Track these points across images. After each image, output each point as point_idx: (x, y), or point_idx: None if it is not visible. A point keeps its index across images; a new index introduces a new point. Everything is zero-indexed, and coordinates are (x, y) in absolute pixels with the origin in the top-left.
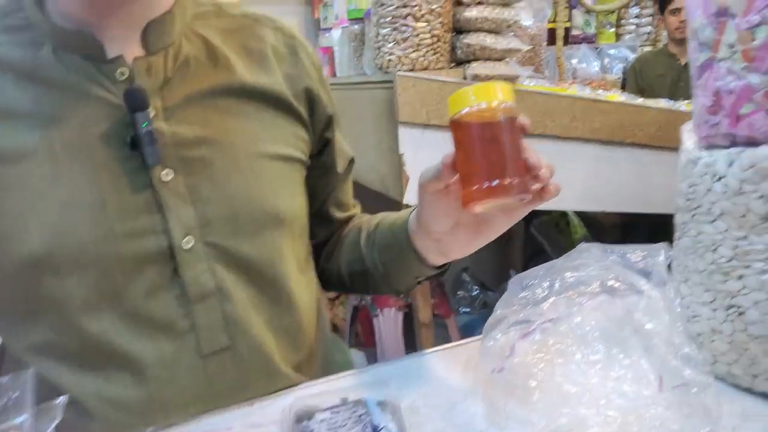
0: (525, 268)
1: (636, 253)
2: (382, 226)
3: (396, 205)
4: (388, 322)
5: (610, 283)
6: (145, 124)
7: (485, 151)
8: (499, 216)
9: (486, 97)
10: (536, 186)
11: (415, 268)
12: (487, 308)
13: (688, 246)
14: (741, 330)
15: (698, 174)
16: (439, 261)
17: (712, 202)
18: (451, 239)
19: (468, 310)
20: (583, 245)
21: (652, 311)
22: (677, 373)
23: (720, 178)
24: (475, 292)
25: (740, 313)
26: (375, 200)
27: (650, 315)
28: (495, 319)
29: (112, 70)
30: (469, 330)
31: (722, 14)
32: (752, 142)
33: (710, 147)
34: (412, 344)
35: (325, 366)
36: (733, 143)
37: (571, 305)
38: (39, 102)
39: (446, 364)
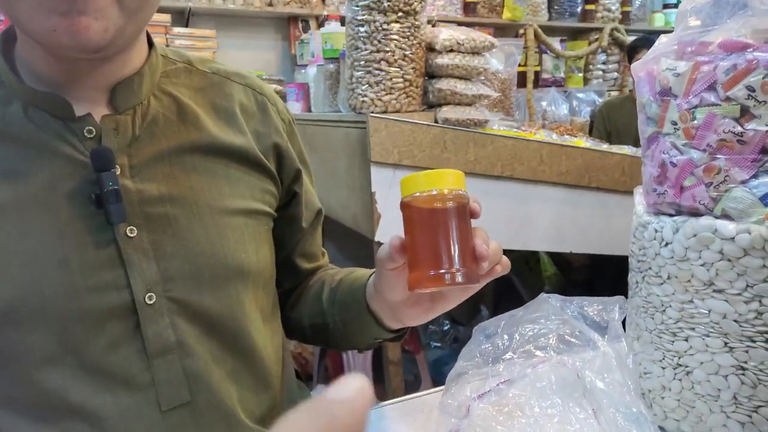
0: (496, 303)
1: (593, 306)
2: (343, 283)
3: (368, 242)
4: (357, 358)
5: (566, 337)
6: (110, 184)
7: (433, 239)
8: (453, 293)
9: (437, 183)
10: (486, 268)
11: (372, 330)
12: (458, 343)
13: (640, 305)
14: (688, 388)
15: (648, 238)
16: (395, 326)
17: (660, 266)
18: (406, 309)
19: (439, 344)
20: (542, 296)
21: (605, 369)
22: None
23: (667, 244)
24: (446, 327)
25: (687, 372)
26: (347, 236)
27: (603, 373)
28: (456, 372)
29: (80, 128)
30: (439, 365)
31: (666, 94)
32: (694, 213)
33: (658, 213)
34: (382, 379)
35: None
36: (678, 212)
37: (525, 367)
38: (7, 158)
39: (407, 415)
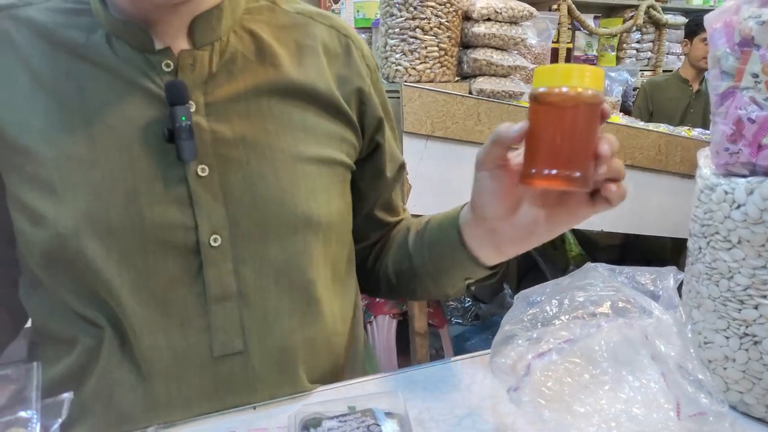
0: (519, 282)
1: (645, 275)
2: (431, 223)
3: None
4: (382, 329)
5: (620, 304)
6: (183, 119)
7: (556, 137)
8: (560, 213)
9: (575, 81)
10: (601, 175)
11: (465, 266)
12: (479, 320)
13: (702, 272)
14: (756, 359)
15: (716, 201)
16: (491, 258)
17: (730, 229)
18: (508, 228)
19: (460, 320)
20: (589, 265)
21: (666, 335)
22: (694, 401)
23: (739, 206)
24: (468, 304)
25: (755, 342)
26: None
27: (665, 339)
28: (504, 335)
29: (158, 62)
30: (461, 340)
31: (746, 44)
32: None
33: (728, 175)
34: (405, 352)
35: (351, 371)
36: (753, 172)
37: (588, 326)
38: (86, 84)
39: (451, 377)
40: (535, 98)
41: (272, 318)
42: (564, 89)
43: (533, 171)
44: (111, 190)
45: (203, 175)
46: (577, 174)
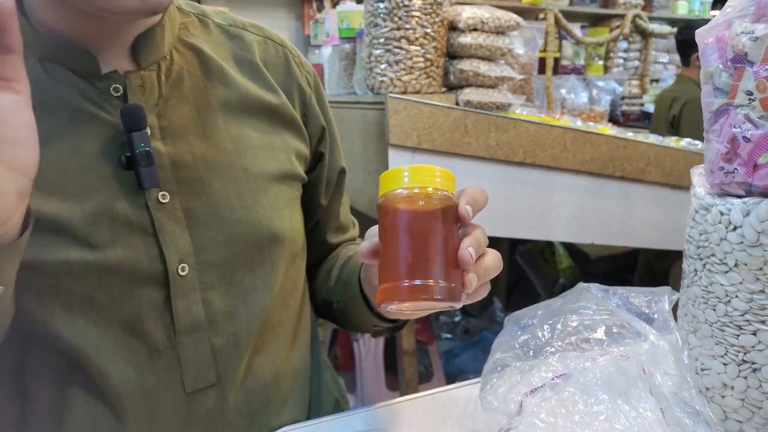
0: (508, 295)
1: (639, 296)
2: (351, 261)
3: None
4: (369, 346)
5: (615, 329)
6: (142, 145)
7: (410, 245)
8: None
9: (421, 181)
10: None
11: (366, 316)
12: (469, 334)
13: (698, 295)
14: (755, 387)
15: (711, 222)
16: (388, 315)
17: (726, 252)
18: None
19: (450, 336)
20: (581, 285)
21: (662, 363)
22: None
23: (735, 228)
24: (457, 318)
25: (754, 369)
26: (362, 222)
27: (662, 368)
28: (495, 363)
29: (105, 86)
30: (451, 356)
31: (740, 60)
32: None
33: (724, 194)
34: (393, 369)
35: (318, 400)
36: (749, 193)
37: (583, 359)
38: None
39: (439, 410)
40: (383, 206)
41: (244, 345)
42: (415, 190)
43: (389, 287)
44: (69, 225)
45: (164, 201)
46: (441, 284)
